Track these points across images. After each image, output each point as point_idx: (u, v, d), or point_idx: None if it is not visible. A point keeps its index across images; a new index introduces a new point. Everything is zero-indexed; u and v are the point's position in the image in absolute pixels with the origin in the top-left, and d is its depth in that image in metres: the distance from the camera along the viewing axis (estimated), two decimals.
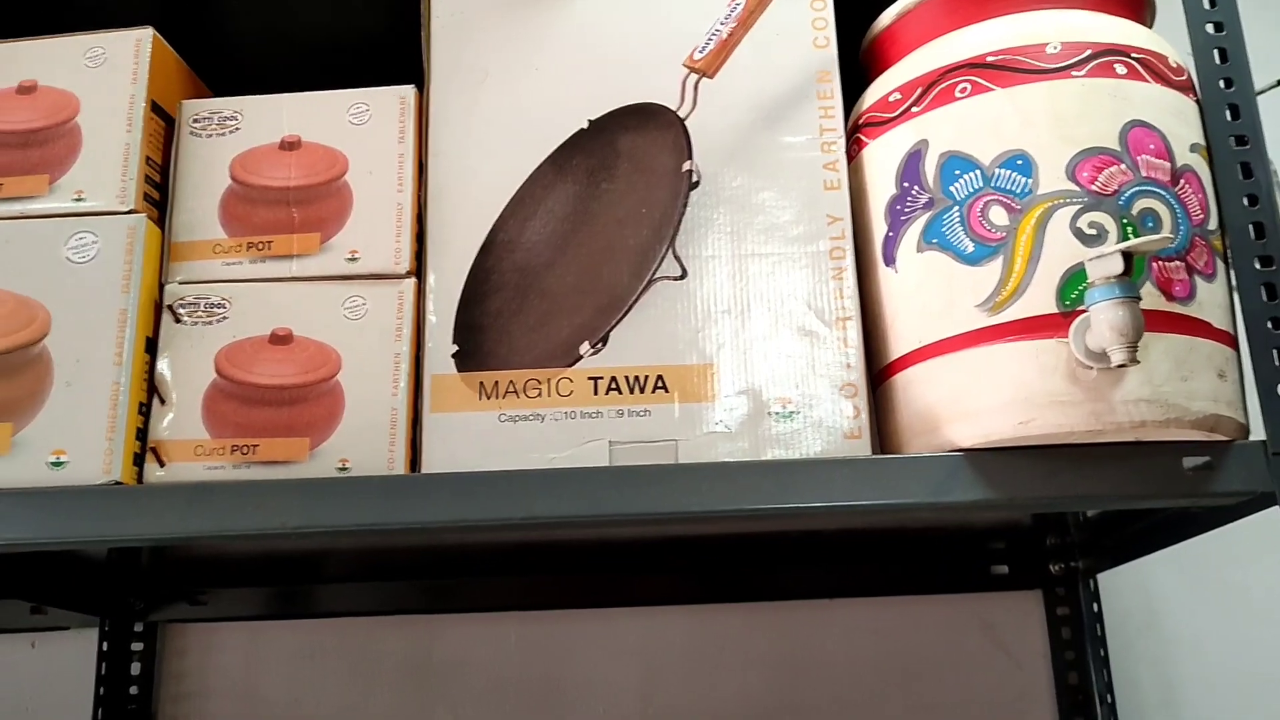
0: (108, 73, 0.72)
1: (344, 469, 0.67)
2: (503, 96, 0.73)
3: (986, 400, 0.62)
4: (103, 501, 0.64)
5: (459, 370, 0.69)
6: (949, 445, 0.63)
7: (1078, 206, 0.61)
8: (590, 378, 0.68)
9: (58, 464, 0.66)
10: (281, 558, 1.06)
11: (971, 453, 0.63)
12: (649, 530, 0.96)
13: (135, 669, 1.04)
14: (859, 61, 0.76)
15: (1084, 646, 1.00)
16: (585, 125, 0.72)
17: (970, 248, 0.63)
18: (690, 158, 0.71)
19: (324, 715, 1.04)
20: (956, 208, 0.64)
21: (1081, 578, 1.01)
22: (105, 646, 1.03)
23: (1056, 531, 1.01)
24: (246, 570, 1.06)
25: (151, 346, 0.70)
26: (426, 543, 0.97)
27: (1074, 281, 0.60)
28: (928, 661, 1.02)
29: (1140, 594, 1.04)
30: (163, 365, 0.69)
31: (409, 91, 0.74)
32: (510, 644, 1.05)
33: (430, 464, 0.67)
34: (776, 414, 0.67)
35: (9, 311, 0.68)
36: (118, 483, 0.65)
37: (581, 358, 0.68)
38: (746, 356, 0.68)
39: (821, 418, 0.67)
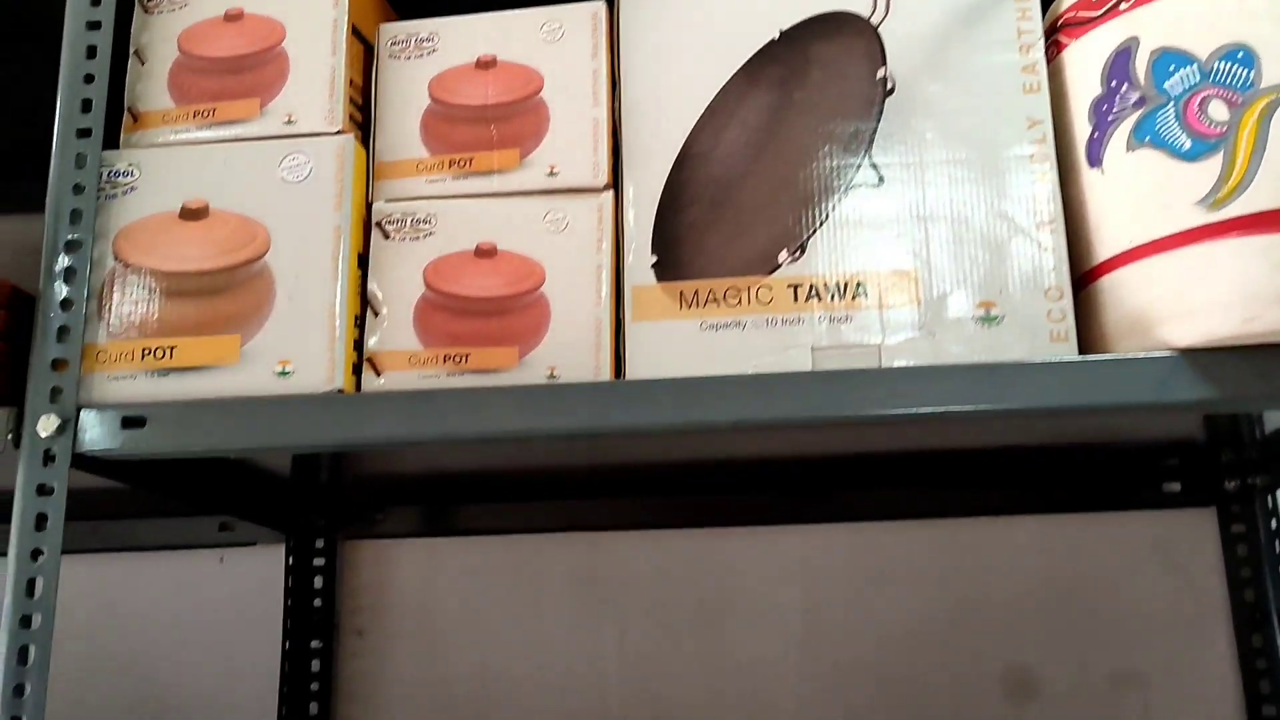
0: None
1: (553, 377, 0.69)
2: (692, 9, 0.73)
3: (1207, 298, 0.61)
4: (331, 408, 0.67)
5: (658, 280, 0.70)
6: (1163, 345, 0.62)
7: None
8: (790, 285, 0.69)
9: (284, 373, 0.69)
10: (452, 477, 1.10)
11: (1189, 352, 0.62)
12: (816, 445, 0.97)
13: (318, 583, 1.08)
14: None
15: (1260, 564, 0.99)
16: (776, 35, 0.72)
17: (1187, 144, 0.62)
18: (884, 64, 0.71)
19: (495, 628, 1.08)
20: (1171, 104, 0.63)
21: (1259, 494, 0.99)
22: (290, 561, 1.08)
23: (1232, 447, 1.00)
24: (420, 489, 1.10)
25: (363, 262, 0.72)
26: (605, 460, 1.00)
27: None
28: (1098, 579, 1.02)
29: None
30: (374, 280, 0.72)
31: (600, 7, 0.75)
32: (674, 561, 1.08)
33: (634, 371, 0.69)
34: (980, 318, 0.67)
35: (232, 230, 0.71)
36: (340, 391, 0.68)
37: (780, 265, 0.69)
38: (947, 262, 0.68)
39: (1026, 322, 0.66)
